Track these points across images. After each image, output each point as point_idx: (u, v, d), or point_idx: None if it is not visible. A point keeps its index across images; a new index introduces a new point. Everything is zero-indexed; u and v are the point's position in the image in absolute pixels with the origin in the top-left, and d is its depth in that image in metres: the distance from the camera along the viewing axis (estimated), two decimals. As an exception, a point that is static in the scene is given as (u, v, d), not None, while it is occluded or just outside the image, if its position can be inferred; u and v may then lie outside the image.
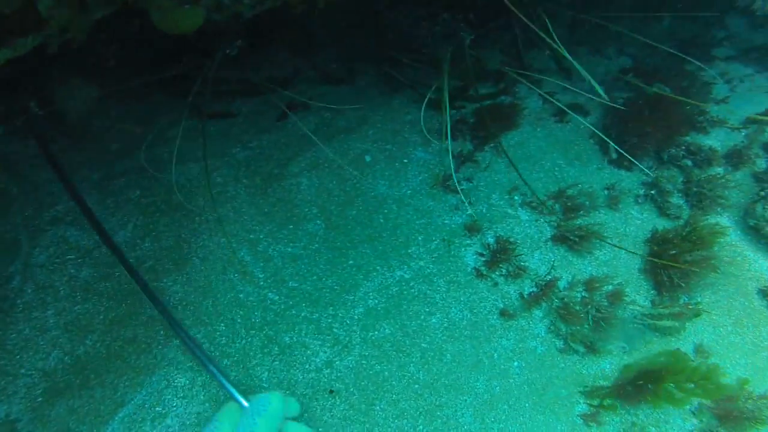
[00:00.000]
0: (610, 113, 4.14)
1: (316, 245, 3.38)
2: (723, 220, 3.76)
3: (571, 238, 3.48)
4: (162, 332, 3.04)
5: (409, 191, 3.62)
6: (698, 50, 4.99)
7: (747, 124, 4.25)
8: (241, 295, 3.15)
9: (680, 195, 3.86)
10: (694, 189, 3.83)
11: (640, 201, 3.79)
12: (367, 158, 3.77)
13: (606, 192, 3.79)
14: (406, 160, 3.79)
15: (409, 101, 4.24)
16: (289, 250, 3.34)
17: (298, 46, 4.46)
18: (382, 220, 3.48)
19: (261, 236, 3.40)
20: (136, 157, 3.71)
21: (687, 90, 4.34)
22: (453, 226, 3.49)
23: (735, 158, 4.04)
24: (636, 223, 3.69)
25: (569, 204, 3.63)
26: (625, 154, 3.77)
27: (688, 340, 3.26)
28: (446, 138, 3.70)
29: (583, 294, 3.34)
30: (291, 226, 3.44)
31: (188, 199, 3.51)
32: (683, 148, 4.03)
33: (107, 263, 3.24)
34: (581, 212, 3.65)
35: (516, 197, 3.65)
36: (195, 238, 3.37)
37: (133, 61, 3.69)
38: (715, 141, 4.12)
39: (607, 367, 3.15)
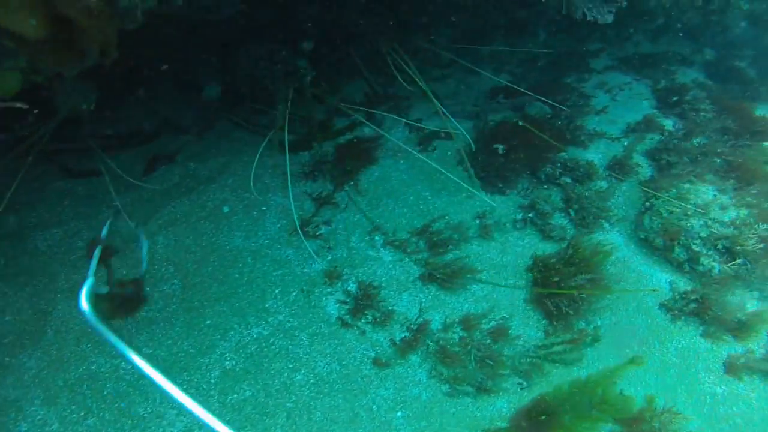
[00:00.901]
0: (482, 137, 4.16)
1: (173, 306, 3.36)
2: (612, 236, 3.79)
3: (439, 276, 3.46)
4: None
5: (267, 241, 3.61)
6: (576, 61, 5.10)
7: (627, 133, 4.32)
8: (93, 367, 3.11)
9: (562, 214, 3.86)
10: (575, 206, 3.83)
11: (518, 226, 3.80)
12: (225, 209, 3.75)
13: (478, 221, 3.80)
14: (264, 208, 3.78)
15: (273, 145, 4.20)
16: (143, 314, 3.31)
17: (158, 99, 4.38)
18: (237, 275, 3.47)
19: (115, 301, 3.32)
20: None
21: (563, 104, 4.43)
22: (312, 274, 3.49)
23: (617, 170, 4.09)
24: (516, 250, 3.69)
25: (435, 239, 3.63)
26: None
27: (592, 367, 3.27)
28: (293, 179, 3.68)
29: (461, 334, 3.32)
30: (147, 289, 3.38)
31: (47, 266, 3.44)
32: (559, 165, 4.06)
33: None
34: (450, 246, 3.64)
35: (377, 237, 3.66)
36: (52, 308, 3.32)
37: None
38: (595, 154, 4.18)
39: (504, 406, 3.15)
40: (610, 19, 3.49)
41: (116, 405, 3.02)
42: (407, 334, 3.32)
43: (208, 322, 3.31)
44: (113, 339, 2.29)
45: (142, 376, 2.02)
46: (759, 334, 3.45)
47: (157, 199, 3.87)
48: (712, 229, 3.60)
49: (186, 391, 2.98)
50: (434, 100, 3.73)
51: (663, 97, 4.78)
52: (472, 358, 3.20)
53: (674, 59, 5.34)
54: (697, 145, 4.15)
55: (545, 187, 3.98)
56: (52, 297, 3.34)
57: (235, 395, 3.08)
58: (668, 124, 4.45)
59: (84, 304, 2.30)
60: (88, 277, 2.41)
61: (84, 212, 3.77)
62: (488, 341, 3.27)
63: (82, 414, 2.99)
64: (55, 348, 3.18)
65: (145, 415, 3.01)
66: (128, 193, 3.93)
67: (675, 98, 4.70)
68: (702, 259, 3.59)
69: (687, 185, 3.80)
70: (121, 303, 3.31)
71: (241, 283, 3.44)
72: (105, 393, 3.05)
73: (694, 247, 3.61)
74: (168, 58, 3.82)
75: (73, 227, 3.65)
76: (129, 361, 2.17)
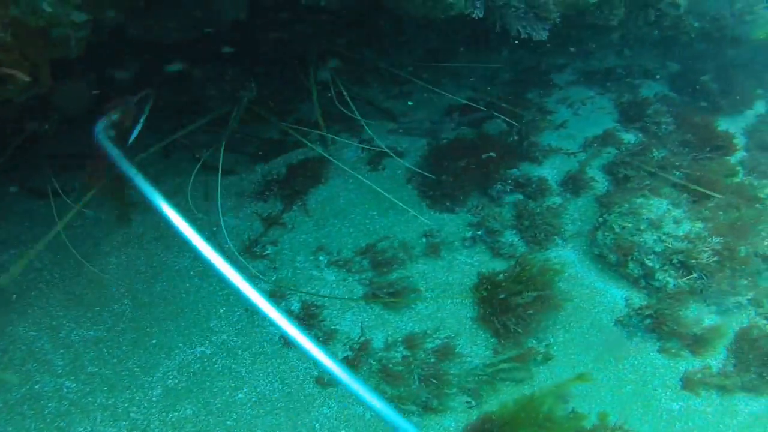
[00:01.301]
0: (433, 154, 4.19)
1: (122, 325, 3.42)
2: (566, 252, 3.82)
3: (382, 295, 3.48)
4: None
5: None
6: (538, 77, 5.12)
7: (585, 148, 4.32)
8: (36, 386, 3.15)
9: (513, 231, 3.87)
10: (526, 223, 3.84)
11: (467, 244, 3.81)
12: (178, 229, 3.78)
13: (424, 240, 3.82)
14: (215, 228, 3.84)
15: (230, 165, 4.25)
16: (92, 333, 3.38)
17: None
18: (184, 294, 3.53)
19: (64, 322, 3.43)
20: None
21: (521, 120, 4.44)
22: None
23: (572, 185, 4.11)
24: (463, 269, 3.71)
25: (380, 258, 3.66)
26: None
27: (544, 385, 3.26)
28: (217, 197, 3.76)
29: (404, 353, 3.33)
30: (98, 308, 3.48)
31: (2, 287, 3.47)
32: (510, 182, 4.08)
33: None
34: (395, 266, 3.67)
35: (321, 257, 3.70)
36: (1, 329, 3.36)
37: None
38: (549, 170, 4.22)
39: (451, 425, 3.15)
40: (545, 35, 3.51)
41: (56, 424, 3.04)
42: (350, 353, 3.33)
43: (154, 341, 3.36)
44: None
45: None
46: (716, 348, 3.47)
47: (111, 219, 3.90)
48: (667, 244, 3.61)
49: (126, 409, 3.07)
50: (369, 131, 3.72)
51: (626, 111, 4.78)
52: (415, 376, 3.20)
53: (639, 73, 5.33)
54: (656, 158, 4.11)
55: (495, 204, 3.99)
56: (2, 317, 3.37)
57: (176, 413, 3.12)
58: (628, 138, 4.43)
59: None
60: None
61: (47, 232, 3.79)
62: (433, 360, 3.28)
63: (20, 435, 3.00)
64: None
65: (85, 434, 3.02)
66: (89, 210, 3.95)
67: (636, 112, 4.66)
68: (657, 274, 3.61)
69: (640, 200, 3.80)
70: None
71: (188, 302, 3.50)
72: (46, 413, 3.07)
73: (648, 262, 3.62)
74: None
75: (33, 249, 3.67)
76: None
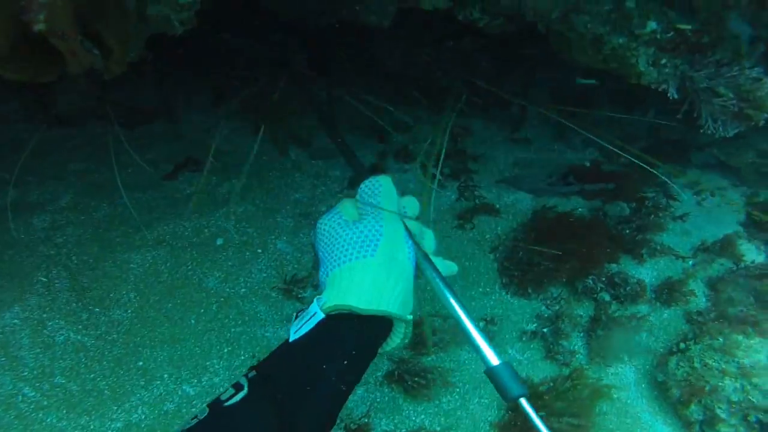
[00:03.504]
0: (535, 225, 3.46)
1: (114, 336, 2.95)
2: (627, 369, 3.07)
3: (409, 380, 2.79)
4: None
5: (243, 290, 3.12)
6: (678, 153, 4.20)
7: (697, 253, 3.43)
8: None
9: (581, 335, 3.15)
10: (600, 332, 3.11)
11: (524, 339, 3.13)
12: (219, 241, 3.29)
13: (480, 324, 3.03)
14: (260, 250, 3.27)
15: (314, 174, 3.79)
16: (78, 338, 2.91)
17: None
18: (193, 321, 2.99)
19: (56, 316, 2.94)
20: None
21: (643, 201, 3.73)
22: (272, 340, 2.92)
23: (666, 294, 3.32)
24: None
25: (423, 337, 2.94)
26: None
27: None
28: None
29: None
30: (97, 310, 3.00)
31: (20, 261, 3.21)
32: (604, 278, 3.32)
33: None
34: (436, 348, 3.01)
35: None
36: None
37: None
38: (650, 272, 3.45)
39: None
40: (731, 133, 2.85)
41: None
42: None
43: (141, 363, 2.85)
44: None
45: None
46: None
47: (160, 208, 3.45)
48: (750, 396, 2.72)
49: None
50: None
51: (755, 215, 3.82)
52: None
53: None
54: (775, 287, 3.16)
55: (576, 300, 3.25)
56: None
57: (129, 455, 2.53)
58: (750, 251, 3.48)
59: None
60: None
61: (84, 202, 3.45)
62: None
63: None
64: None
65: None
66: (148, 191, 3.64)
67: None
68: (721, 427, 2.74)
69: (740, 337, 2.91)
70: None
71: (194, 331, 2.98)
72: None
73: (717, 410, 2.75)
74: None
75: (63, 217, 3.31)
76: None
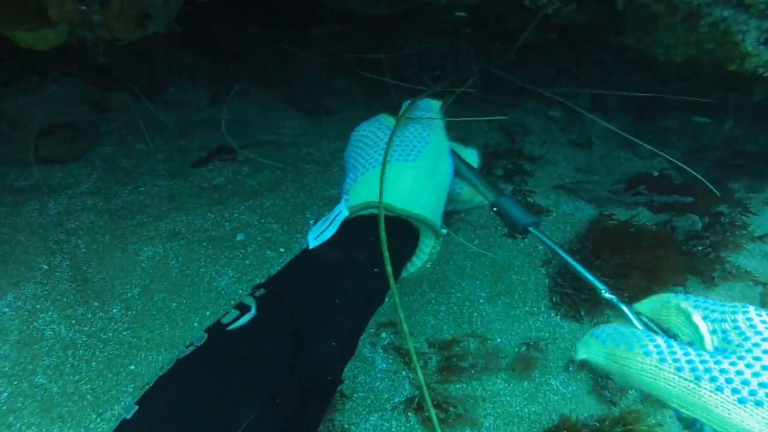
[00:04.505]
0: (592, 236, 2.93)
1: (109, 334, 2.63)
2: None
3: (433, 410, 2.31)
4: None
5: (255, 290, 2.68)
6: (757, 167, 3.61)
7: None
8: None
9: None
10: None
11: (572, 369, 2.62)
12: (240, 236, 2.94)
13: (521, 349, 2.62)
14: (282, 249, 2.90)
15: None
16: (70, 334, 2.61)
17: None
18: (196, 324, 2.61)
19: (50, 307, 2.65)
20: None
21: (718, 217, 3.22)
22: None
23: None
24: (548, 399, 2.53)
25: (455, 359, 2.50)
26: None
27: None
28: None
29: None
30: (96, 304, 2.69)
31: (26, 246, 2.95)
32: None
33: None
34: (467, 375, 2.49)
35: (384, 334, 2.56)
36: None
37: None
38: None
39: None
40: None
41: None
42: (345, 460, 2.29)
43: (132, 367, 2.52)
44: None
45: None
46: None
47: (182, 197, 3.17)
48: None
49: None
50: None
51: None
52: None
53: None
54: None
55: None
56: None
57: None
58: None
59: None
60: None
61: (108, 187, 3.19)
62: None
63: None
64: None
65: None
66: (175, 180, 3.37)
67: None
68: None
69: None
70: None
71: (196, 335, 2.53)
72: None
73: None
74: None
75: (81, 203, 3.06)
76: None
